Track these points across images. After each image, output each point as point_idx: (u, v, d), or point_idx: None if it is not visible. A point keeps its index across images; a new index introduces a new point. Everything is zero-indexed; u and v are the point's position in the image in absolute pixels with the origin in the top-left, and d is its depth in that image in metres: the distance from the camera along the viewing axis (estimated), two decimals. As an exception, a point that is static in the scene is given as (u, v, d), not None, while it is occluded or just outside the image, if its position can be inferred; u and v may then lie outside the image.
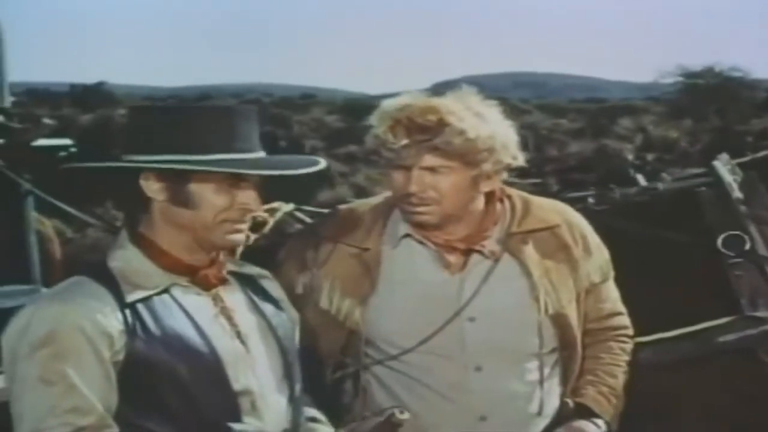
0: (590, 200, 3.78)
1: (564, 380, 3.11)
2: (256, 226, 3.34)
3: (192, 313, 2.51)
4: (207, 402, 2.46)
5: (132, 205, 2.56)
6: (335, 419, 2.85)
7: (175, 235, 2.54)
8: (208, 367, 2.48)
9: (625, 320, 3.23)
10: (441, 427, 2.98)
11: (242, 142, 2.53)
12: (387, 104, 2.99)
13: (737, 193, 3.70)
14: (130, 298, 2.46)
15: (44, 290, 2.91)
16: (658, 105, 40.02)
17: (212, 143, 2.50)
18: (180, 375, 2.43)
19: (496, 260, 3.04)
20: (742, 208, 3.66)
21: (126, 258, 2.53)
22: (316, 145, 27.35)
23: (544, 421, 3.07)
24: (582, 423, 3.04)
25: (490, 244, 3.05)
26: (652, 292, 3.44)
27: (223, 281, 2.62)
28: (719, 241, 3.60)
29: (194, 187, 2.50)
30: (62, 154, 4.08)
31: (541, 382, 3.05)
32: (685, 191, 3.79)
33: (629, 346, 3.22)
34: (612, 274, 3.19)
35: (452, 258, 3.05)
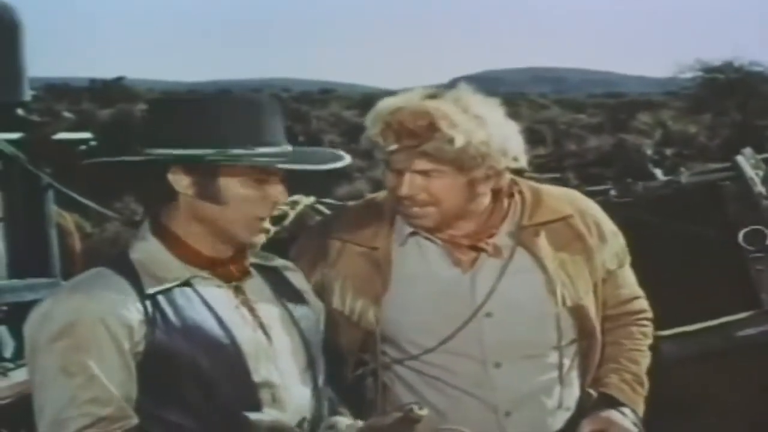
0: (612, 192, 3.76)
1: (585, 370, 3.10)
2: (277, 218, 3.35)
3: (213, 305, 2.51)
4: (227, 393, 2.46)
5: (157, 198, 2.55)
6: (360, 414, 2.85)
7: (199, 229, 2.53)
8: (229, 359, 2.48)
9: (644, 303, 3.20)
10: (466, 424, 2.96)
11: (270, 135, 2.53)
12: (381, 106, 2.95)
13: (760, 188, 3.68)
14: (151, 289, 2.46)
15: (64, 283, 2.91)
16: (677, 100, 39.83)
17: (241, 136, 2.49)
18: (201, 366, 2.44)
19: (510, 255, 3.01)
20: (765, 203, 3.64)
21: (147, 250, 2.53)
22: (334, 140, 27.29)
23: (565, 414, 3.06)
24: (608, 413, 3.01)
25: (498, 240, 3.02)
26: (673, 285, 3.43)
27: (246, 274, 2.61)
28: (740, 236, 3.59)
29: (223, 182, 2.49)
30: (82, 147, 4.09)
31: (560, 375, 3.04)
32: (708, 185, 3.78)
33: (650, 330, 3.20)
34: (628, 259, 3.16)
35: (461, 255, 3.02)
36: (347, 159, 2.64)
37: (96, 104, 31.95)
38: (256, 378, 2.51)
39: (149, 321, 2.43)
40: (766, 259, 3.56)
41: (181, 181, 2.50)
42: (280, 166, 2.52)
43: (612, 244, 3.12)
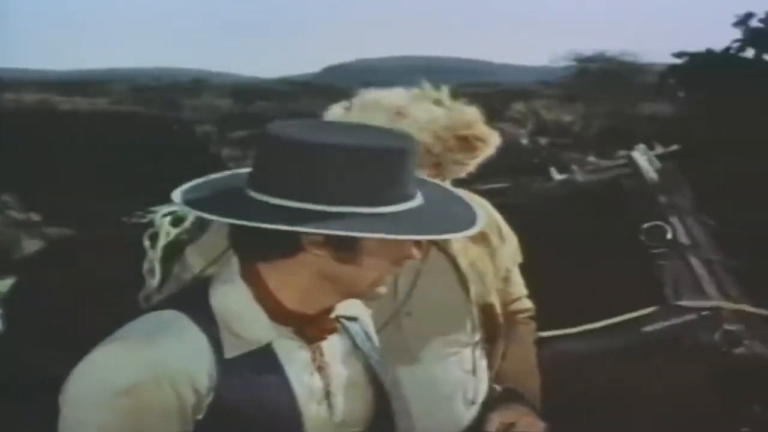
0: (510, 197, 3.76)
1: (489, 366, 3.14)
2: None
3: (288, 373, 2.24)
4: None
5: (271, 252, 2.19)
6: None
7: (309, 284, 2.23)
8: (289, 429, 2.23)
9: (529, 303, 3.27)
10: None
11: (404, 189, 2.17)
12: (466, 116, 2.99)
13: (656, 183, 3.71)
14: (230, 353, 2.18)
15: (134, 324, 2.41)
16: (550, 89, 40.42)
17: (379, 192, 2.14)
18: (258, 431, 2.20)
19: (425, 254, 2.99)
20: (662, 198, 3.67)
21: (232, 298, 2.22)
22: (209, 130, 27.08)
23: (476, 409, 3.08)
24: (513, 405, 3.02)
25: None
26: (578, 283, 3.44)
27: (333, 332, 2.33)
28: (641, 232, 3.61)
29: (365, 244, 2.14)
30: None
31: (474, 370, 3.07)
32: (605, 183, 3.80)
33: (534, 326, 3.28)
34: (519, 259, 3.22)
35: None
36: (482, 219, 2.26)
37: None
38: None
39: (218, 386, 2.15)
40: (668, 254, 3.59)
41: (317, 244, 2.15)
42: (434, 236, 2.28)
43: (509, 243, 3.18)
